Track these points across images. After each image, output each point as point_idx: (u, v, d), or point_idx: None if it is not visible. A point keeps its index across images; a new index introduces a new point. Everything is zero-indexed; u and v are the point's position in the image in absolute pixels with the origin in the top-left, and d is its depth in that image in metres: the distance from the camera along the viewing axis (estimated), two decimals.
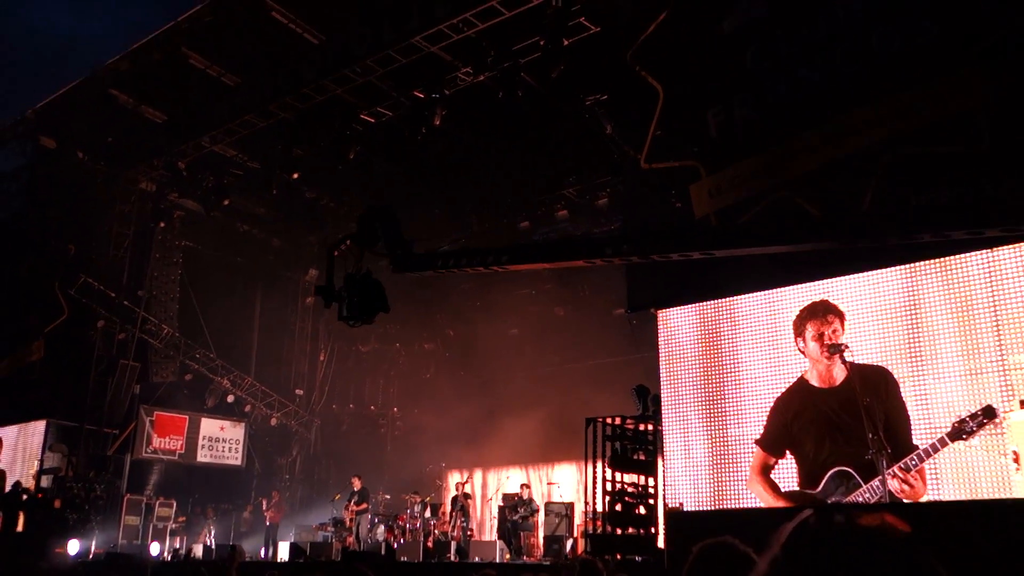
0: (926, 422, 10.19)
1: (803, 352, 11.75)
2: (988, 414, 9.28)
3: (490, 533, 18.67)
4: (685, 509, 12.21)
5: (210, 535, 20.59)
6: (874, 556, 1.24)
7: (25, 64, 47.25)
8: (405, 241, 7.94)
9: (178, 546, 20.43)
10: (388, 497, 20.20)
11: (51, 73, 24.05)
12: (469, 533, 18.06)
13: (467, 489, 18.97)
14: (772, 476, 11.70)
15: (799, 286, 11.91)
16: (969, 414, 9.43)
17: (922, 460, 9.91)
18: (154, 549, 19.75)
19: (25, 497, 20.01)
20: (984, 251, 10.07)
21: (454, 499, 18.44)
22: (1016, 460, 8.95)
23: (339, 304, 8.02)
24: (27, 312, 22.71)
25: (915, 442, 10.13)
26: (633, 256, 6.60)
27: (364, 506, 18.22)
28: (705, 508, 12.25)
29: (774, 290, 12.20)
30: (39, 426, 21.26)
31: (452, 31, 14.59)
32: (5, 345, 23.28)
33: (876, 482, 9.25)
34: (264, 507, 20.82)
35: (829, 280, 11.59)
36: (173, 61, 17.82)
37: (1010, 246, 9.81)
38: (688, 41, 13.16)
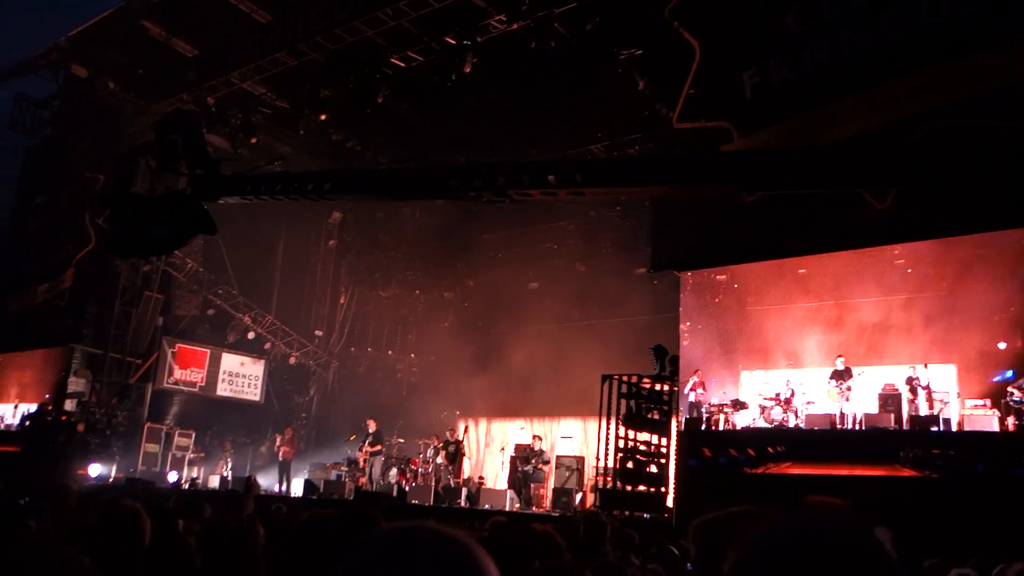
0: None
1: None
2: None
3: (501, 483, 18.88)
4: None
5: (227, 467, 20.95)
6: (826, 531, 1.26)
7: None
8: (211, 159, 6.39)
9: (195, 475, 20.82)
10: (402, 441, 20.43)
11: (84, 2, 23.92)
12: (456, 482, 17.86)
13: (459, 436, 18.87)
14: None
15: (834, 255, 11.78)
16: None
17: None
18: (171, 477, 20.15)
19: (49, 419, 20.46)
20: None
21: (445, 443, 18.43)
22: None
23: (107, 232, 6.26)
24: (63, 240, 23.01)
25: None
26: (484, 191, 5.63)
27: (378, 448, 18.41)
28: None
29: (804, 257, 12.09)
30: (66, 351, 21.63)
31: None
32: (44, 272, 23.61)
33: None
34: (277, 443, 21.13)
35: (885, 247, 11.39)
36: None
37: None
38: None
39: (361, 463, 18.57)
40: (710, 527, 2.66)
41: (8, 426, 22.66)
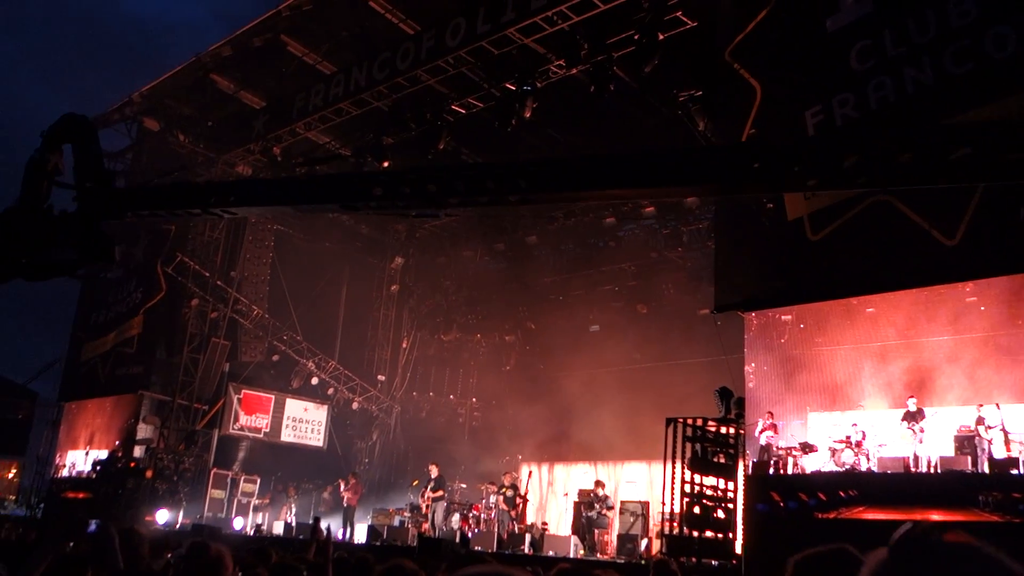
0: None
1: None
2: None
3: (564, 528, 18.63)
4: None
5: (291, 513, 21.05)
6: (972, 569, 1.21)
7: (130, 49, 49.05)
8: (105, 171, 5.61)
9: (260, 521, 20.95)
10: (464, 486, 20.34)
11: (155, 59, 24.83)
12: (520, 528, 17.73)
13: (515, 482, 18.66)
14: None
15: (903, 293, 11.51)
16: None
17: None
18: (237, 523, 20.32)
19: (120, 466, 20.87)
20: None
21: (501, 487, 18.25)
22: None
23: None
24: (134, 289, 23.74)
25: None
26: (413, 200, 4.74)
27: (440, 493, 18.34)
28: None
29: (872, 296, 11.84)
30: (135, 398, 22.10)
31: (546, 23, 14.55)
32: (116, 321, 24.27)
33: None
34: (342, 489, 21.19)
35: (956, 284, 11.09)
36: (272, 48, 18.28)
37: None
38: (789, 39, 12.85)
39: (424, 509, 18.51)
40: (811, 564, 2.54)
41: (79, 473, 23.19)
